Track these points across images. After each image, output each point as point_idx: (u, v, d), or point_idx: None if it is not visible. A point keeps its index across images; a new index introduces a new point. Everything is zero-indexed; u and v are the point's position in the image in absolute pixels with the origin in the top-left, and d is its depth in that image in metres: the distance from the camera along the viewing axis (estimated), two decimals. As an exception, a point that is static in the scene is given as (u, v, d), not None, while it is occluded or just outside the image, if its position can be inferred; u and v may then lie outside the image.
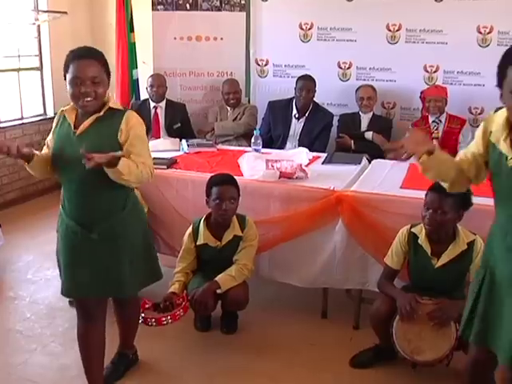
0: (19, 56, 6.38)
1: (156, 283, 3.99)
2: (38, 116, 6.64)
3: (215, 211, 3.47)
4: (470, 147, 2.27)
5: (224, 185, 3.46)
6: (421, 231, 3.05)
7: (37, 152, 2.62)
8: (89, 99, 2.50)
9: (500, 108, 2.10)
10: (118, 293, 2.81)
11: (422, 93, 5.18)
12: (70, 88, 2.52)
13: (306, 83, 5.21)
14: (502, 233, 2.16)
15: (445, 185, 2.32)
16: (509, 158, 2.03)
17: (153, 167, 2.66)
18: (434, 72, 5.42)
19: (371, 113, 5.34)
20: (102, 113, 2.57)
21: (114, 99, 2.69)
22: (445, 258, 3.00)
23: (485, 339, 2.25)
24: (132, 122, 2.58)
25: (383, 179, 3.82)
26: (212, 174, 3.62)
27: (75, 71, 2.50)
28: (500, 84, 1.99)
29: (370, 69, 5.62)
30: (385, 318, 3.04)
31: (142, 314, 3.17)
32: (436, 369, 3.04)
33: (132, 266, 2.73)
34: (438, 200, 2.90)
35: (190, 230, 3.58)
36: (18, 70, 6.37)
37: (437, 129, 4.99)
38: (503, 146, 2.05)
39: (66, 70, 2.55)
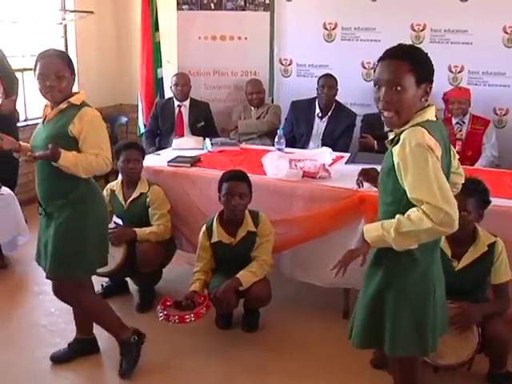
0: (46, 55, 6.45)
1: (177, 282, 4.06)
2: (63, 114, 6.70)
3: (226, 207, 3.50)
4: None
5: (234, 180, 3.48)
6: (440, 234, 3.03)
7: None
8: (54, 92, 2.83)
9: None
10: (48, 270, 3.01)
11: (444, 94, 5.14)
12: (38, 84, 2.86)
13: (328, 80, 5.21)
14: None
15: None
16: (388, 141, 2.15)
17: (108, 156, 2.90)
18: (459, 72, 5.38)
19: (395, 113, 5.31)
20: (65, 105, 2.87)
21: (81, 95, 2.94)
22: (465, 261, 2.97)
23: None
24: (86, 118, 2.84)
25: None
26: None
27: (40, 68, 2.83)
28: None
29: (394, 69, 5.59)
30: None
31: (164, 312, 3.19)
32: (457, 372, 3.02)
33: (56, 252, 2.93)
34: (462, 201, 2.86)
35: (204, 228, 3.61)
36: (45, 68, 6.44)
37: (460, 130, 4.95)
38: None
39: (34, 70, 2.88)
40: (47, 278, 3.04)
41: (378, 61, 2.12)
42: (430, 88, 2.08)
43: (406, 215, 2.01)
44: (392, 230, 2.02)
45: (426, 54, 2.11)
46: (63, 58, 2.91)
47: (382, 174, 2.19)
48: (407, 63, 2.03)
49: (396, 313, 2.19)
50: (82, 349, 3.30)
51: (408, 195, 2.00)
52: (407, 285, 2.17)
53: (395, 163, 2.03)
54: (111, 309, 3.22)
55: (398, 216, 2.03)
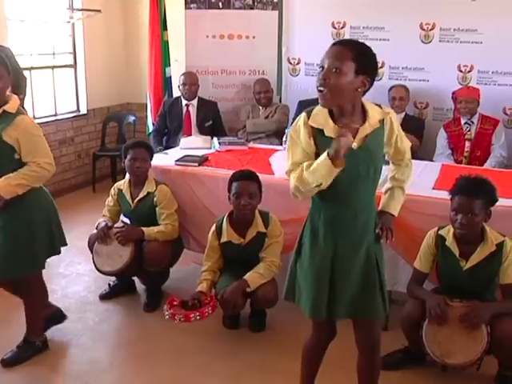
0: (54, 54, 6.50)
1: (184, 281, 4.07)
2: (71, 112, 6.75)
3: (235, 207, 3.49)
4: (298, 154, 2.30)
5: (243, 180, 3.48)
6: (448, 233, 3.02)
7: None
8: None
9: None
10: None
11: (453, 93, 5.12)
12: None
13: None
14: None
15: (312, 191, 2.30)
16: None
17: (48, 160, 2.96)
18: (468, 72, 5.35)
19: (403, 113, 5.29)
20: None
21: (14, 101, 2.95)
22: (473, 260, 2.96)
23: None
24: (21, 126, 2.88)
25: (415, 180, 3.77)
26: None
27: None
28: None
29: (402, 68, 5.58)
30: (416, 323, 3.00)
31: (170, 310, 3.21)
32: (466, 372, 3.01)
33: (5, 250, 3.01)
34: (468, 203, 2.85)
35: (213, 228, 3.60)
36: (53, 67, 6.49)
37: (469, 130, 4.92)
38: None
39: None
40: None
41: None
42: (369, 82, 2.22)
43: (403, 178, 2.58)
44: (405, 194, 2.62)
45: (373, 53, 2.25)
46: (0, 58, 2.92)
47: (369, 165, 2.30)
48: (351, 52, 2.18)
49: None
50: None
51: (407, 156, 2.52)
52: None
53: (393, 136, 2.39)
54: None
55: (402, 186, 2.61)
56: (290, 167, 2.31)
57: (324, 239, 2.36)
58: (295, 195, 2.32)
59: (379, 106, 2.36)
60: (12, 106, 2.91)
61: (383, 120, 2.32)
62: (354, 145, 2.21)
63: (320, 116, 2.28)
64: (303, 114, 2.32)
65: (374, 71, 2.26)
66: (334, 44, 2.26)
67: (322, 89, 2.21)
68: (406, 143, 2.49)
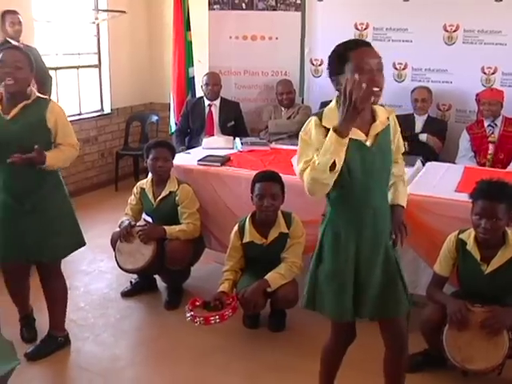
0: (79, 54, 6.58)
1: (205, 280, 4.09)
2: (95, 112, 6.82)
3: (258, 207, 3.50)
4: (311, 155, 2.22)
5: (266, 181, 3.48)
6: (469, 237, 2.99)
7: None
8: (10, 79, 2.89)
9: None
10: (40, 256, 3.14)
11: (477, 95, 5.07)
12: None
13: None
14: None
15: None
16: (365, 141, 2.27)
17: (76, 141, 3.18)
18: (492, 74, 5.30)
19: (426, 115, 5.26)
20: (30, 100, 3.00)
21: (35, 91, 3.09)
22: (495, 264, 2.93)
23: None
24: (56, 111, 3.05)
25: (438, 182, 3.77)
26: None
27: (1, 57, 2.94)
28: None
29: (425, 70, 5.54)
30: (436, 327, 2.97)
31: (191, 312, 3.22)
32: (487, 378, 2.99)
33: (53, 234, 3.11)
34: (492, 208, 2.81)
35: (236, 228, 3.62)
36: (78, 67, 6.57)
37: (492, 133, 4.88)
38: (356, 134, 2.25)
39: None
40: (45, 260, 3.17)
41: (354, 49, 2.31)
42: None
43: (401, 173, 2.58)
44: (406, 186, 2.64)
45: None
46: (23, 52, 3.04)
47: (383, 162, 2.34)
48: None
49: None
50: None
51: (401, 151, 2.55)
52: None
53: (397, 133, 2.45)
54: None
55: (403, 179, 2.59)
56: (303, 167, 2.23)
57: (346, 240, 2.36)
58: (311, 191, 2.22)
59: (381, 105, 2.39)
60: (38, 93, 3.07)
61: (388, 118, 2.38)
62: (368, 143, 2.28)
63: (332, 116, 2.23)
64: (313, 118, 2.28)
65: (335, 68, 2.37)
66: (366, 44, 2.36)
67: (377, 89, 2.19)
68: (402, 140, 2.55)
